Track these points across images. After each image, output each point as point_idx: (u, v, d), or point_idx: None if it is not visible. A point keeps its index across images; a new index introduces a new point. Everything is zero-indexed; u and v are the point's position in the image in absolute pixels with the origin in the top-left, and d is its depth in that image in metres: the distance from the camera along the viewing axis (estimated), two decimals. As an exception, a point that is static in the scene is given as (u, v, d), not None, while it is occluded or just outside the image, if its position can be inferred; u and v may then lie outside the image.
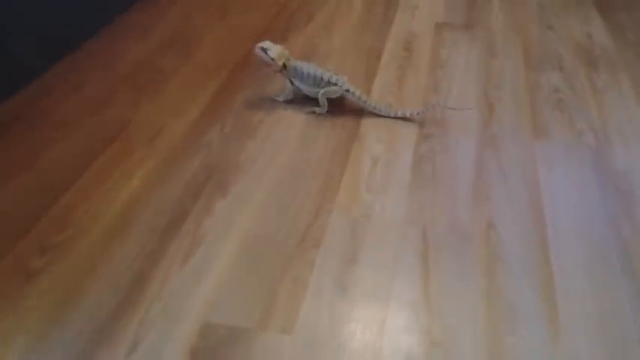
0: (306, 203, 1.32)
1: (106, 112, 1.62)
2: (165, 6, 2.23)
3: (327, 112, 1.62)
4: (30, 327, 1.03)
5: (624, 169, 1.44)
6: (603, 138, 1.55)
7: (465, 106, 1.67)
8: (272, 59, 1.61)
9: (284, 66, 1.62)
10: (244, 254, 1.19)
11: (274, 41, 1.64)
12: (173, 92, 1.72)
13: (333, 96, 1.62)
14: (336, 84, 1.60)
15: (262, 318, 1.06)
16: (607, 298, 1.11)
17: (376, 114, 1.61)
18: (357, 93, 1.61)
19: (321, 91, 1.61)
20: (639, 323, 1.07)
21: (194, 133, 1.55)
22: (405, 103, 1.68)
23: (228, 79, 1.79)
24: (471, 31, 2.11)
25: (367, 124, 1.59)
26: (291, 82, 1.64)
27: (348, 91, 1.61)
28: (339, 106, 1.64)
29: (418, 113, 1.59)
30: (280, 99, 1.67)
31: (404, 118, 1.60)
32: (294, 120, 1.61)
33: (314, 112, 1.63)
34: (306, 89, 1.63)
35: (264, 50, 1.61)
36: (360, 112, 1.63)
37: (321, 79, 1.60)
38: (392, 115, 1.60)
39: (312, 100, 1.63)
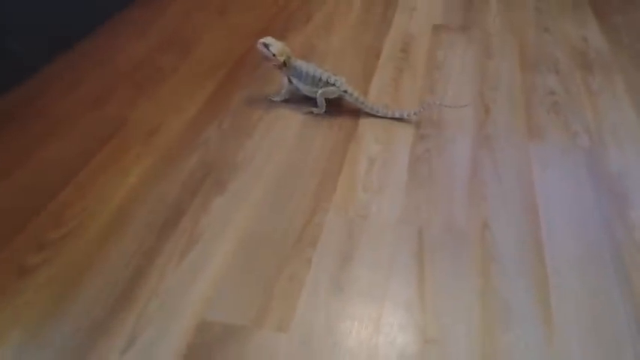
0: (302, 202, 1.33)
1: (103, 109, 1.62)
2: (165, 3, 2.24)
3: (325, 112, 1.63)
4: (26, 322, 1.03)
5: (618, 171, 1.46)
6: (598, 140, 1.57)
7: (462, 108, 1.67)
8: (273, 55, 1.61)
9: (284, 63, 1.63)
10: (241, 252, 1.19)
11: (273, 40, 1.65)
12: (171, 90, 1.72)
13: (331, 96, 1.63)
14: (334, 84, 1.61)
15: (258, 316, 1.06)
16: (600, 300, 1.12)
17: (373, 115, 1.62)
18: (355, 94, 1.62)
19: (320, 91, 1.61)
20: (632, 325, 1.08)
21: (192, 130, 1.55)
22: (402, 104, 1.69)
23: (227, 78, 1.79)
24: (467, 33, 2.12)
25: (364, 125, 1.60)
26: (290, 81, 1.65)
27: (346, 91, 1.61)
28: (336, 107, 1.65)
29: (415, 113, 1.60)
30: (277, 99, 1.68)
31: (401, 119, 1.61)
32: (292, 119, 1.61)
33: (312, 112, 1.64)
34: (305, 89, 1.64)
35: (266, 46, 1.61)
36: (357, 112, 1.64)
37: (320, 79, 1.61)
38: (389, 116, 1.61)
39: (310, 100, 1.64)
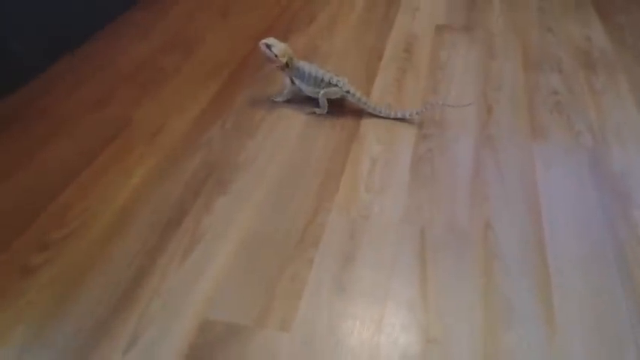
0: (305, 202, 1.33)
1: (106, 110, 1.62)
2: (167, 5, 2.24)
3: (327, 112, 1.63)
4: (29, 322, 1.04)
5: (621, 170, 1.45)
6: (601, 139, 1.56)
7: (465, 109, 1.67)
8: (275, 56, 1.61)
9: (286, 64, 1.63)
10: (243, 252, 1.20)
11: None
12: (174, 91, 1.73)
13: (334, 97, 1.63)
14: (336, 85, 1.61)
15: (260, 315, 1.06)
16: (603, 299, 1.12)
17: (376, 115, 1.62)
18: (357, 94, 1.62)
19: (322, 91, 1.61)
20: (635, 323, 1.08)
21: (195, 131, 1.56)
22: (405, 104, 1.69)
23: (230, 79, 1.79)
24: (470, 33, 2.12)
25: (367, 125, 1.60)
26: (292, 81, 1.65)
27: (348, 92, 1.61)
28: (339, 107, 1.65)
29: (417, 113, 1.60)
30: (279, 99, 1.68)
31: (403, 119, 1.61)
32: (295, 120, 1.61)
33: (314, 113, 1.64)
34: (307, 89, 1.64)
35: (269, 47, 1.61)
36: (359, 113, 1.64)
37: (322, 79, 1.61)
38: (391, 116, 1.61)
39: (313, 101, 1.64)
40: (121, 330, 1.03)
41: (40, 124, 1.55)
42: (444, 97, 1.72)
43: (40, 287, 1.11)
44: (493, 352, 1.01)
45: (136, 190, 1.35)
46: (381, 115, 1.62)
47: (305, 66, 1.62)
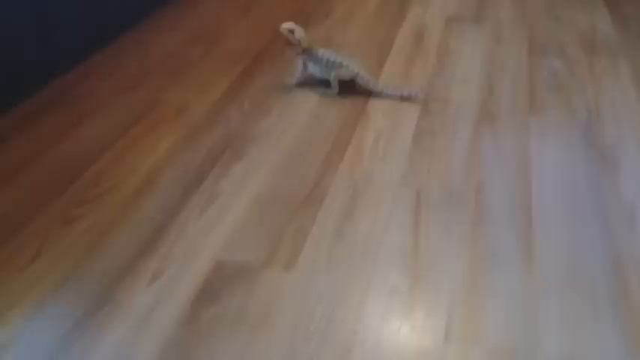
0: (312, 168, 1.46)
1: (137, 93, 1.79)
2: (197, 3, 2.42)
3: (338, 94, 1.76)
4: (67, 261, 1.20)
5: (612, 142, 1.55)
6: (596, 115, 1.66)
7: (468, 89, 1.79)
8: (298, 41, 1.75)
9: (304, 49, 1.77)
10: (254, 208, 1.34)
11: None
12: (198, 76, 1.89)
13: (345, 78, 1.76)
14: (347, 67, 1.74)
15: (266, 258, 1.20)
16: (581, 251, 1.22)
17: (383, 95, 1.74)
18: (366, 76, 1.75)
19: (333, 73, 1.75)
20: (608, 274, 1.17)
21: (215, 110, 1.71)
22: (411, 87, 1.81)
23: (249, 66, 1.95)
24: (480, 23, 2.23)
25: (374, 104, 1.73)
26: (305, 66, 1.79)
27: (358, 73, 1.75)
28: (350, 89, 1.78)
29: (421, 89, 1.72)
30: (291, 81, 1.82)
31: (409, 98, 1.73)
32: (307, 100, 1.75)
33: (326, 94, 1.77)
34: (320, 71, 1.77)
35: (291, 31, 1.75)
36: (369, 94, 1.76)
37: (334, 62, 1.74)
38: (397, 94, 1.74)
39: (325, 83, 1.78)
40: (144, 269, 1.18)
41: (80, 105, 1.73)
42: (449, 79, 1.83)
43: (77, 234, 1.26)
44: (473, 290, 1.13)
45: (161, 159, 1.50)
46: (389, 94, 1.74)
47: (319, 51, 1.76)
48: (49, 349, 1.02)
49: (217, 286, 1.14)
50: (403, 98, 1.74)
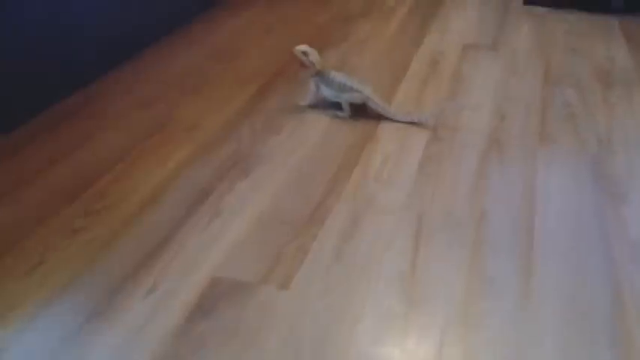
0: (317, 188, 1.47)
1: (152, 108, 1.83)
2: (219, 22, 2.47)
3: (350, 117, 1.78)
4: (69, 269, 1.22)
5: (621, 174, 1.53)
6: (606, 146, 1.65)
7: (479, 116, 1.79)
8: (312, 63, 1.78)
9: (317, 71, 1.79)
10: (256, 226, 1.35)
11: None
12: (214, 94, 1.92)
13: (356, 102, 1.77)
14: (359, 91, 1.76)
15: (263, 276, 1.21)
16: (581, 283, 1.20)
17: (395, 120, 1.76)
18: (378, 101, 1.76)
19: (345, 96, 1.77)
20: (609, 309, 1.16)
21: (227, 128, 1.74)
22: (423, 112, 1.82)
23: (265, 86, 1.98)
24: (496, 52, 2.24)
25: (384, 128, 1.74)
26: (317, 88, 1.81)
27: (369, 98, 1.76)
28: (361, 113, 1.79)
29: (432, 115, 1.73)
30: (303, 103, 1.84)
31: (419, 124, 1.74)
32: (318, 121, 1.77)
33: (337, 116, 1.79)
34: (332, 94, 1.79)
35: (305, 53, 1.78)
36: (380, 118, 1.77)
37: (346, 85, 1.76)
38: (408, 120, 1.75)
39: (337, 106, 1.79)
40: (143, 280, 1.19)
41: (95, 118, 1.77)
42: (461, 105, 1.84)
43: (80, 244, 1.29)
44: (468, 317, 1.12)
45: (169, 173, 1.53)
46: (400, 120, 1.76)
47: (332, 73, 1.79)
48: (42, 355, 1.04)
49: (212, 301, 1.15)
50: (413, 124, 1.75)
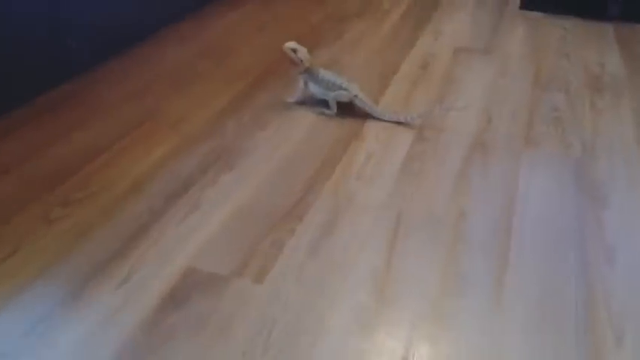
0: (299, 184, 1.47)
1: (141, 101, 1.83)
2: (211, 20, 2.47)
3: (336, 114, 1.78)
4: (43, 258, 1.22)
5: (603, 179, 1.53)
6: (590, 151, 1.65)
7: (465, 118, 1.79)
8: (301, 60, 1.78)
9: (306, 69, 1.79)
10: (235, 219, 1.35)
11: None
12: (202, 89, 1.92)
13: (343, 100, 1.78)
14: (346, 89, 1.76)
15: (238, 268, 1.21)
16: (553, 284, 1.20)
17: (381, 119, 1.76)
18: (365, 99, 1.76)
19: (332, 94, 1.77)
20: (579, 309, 1.15)
21: (213, 123, 1.74)
22: (410, 112, 1.82)
23: (253, 82, 1.98)
24: (488, 56, 2.24)
25: (370, 127, 1.74)
26: (305, 85, 1.81)
27: (356, 96, 1.77)
28: (348, 111, 1.80)
29: (419, 116, 1.73)
30: (291, 100, 1.84)
31: (405, 123, 1.74)
32: (305, 118, 1.78)
33: (324, 114, 1.79)
34: (319, 92, 1.80)
35: (294, 50, 1.78)
36: (366, 117, 1.77)
37: (334, 83, 1.76)
38: (394, 120, 1.75)
39: (324, 103, 1.80)
40: (117, 270, 1.20)
41: (82, 110, 1.77)
42: (448, 107, 1.84)
43: (57, 233, 1.29)
44: (438, 314, 1.12)
45: (152, 165, 1.53)
46: (386, 119, 1.76)
47: (321, 71, 1.79)
48: (11, 341, 1.04)
49: (185, 292, 1.15)
50: (400, 123, 1.75)
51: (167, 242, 1.27)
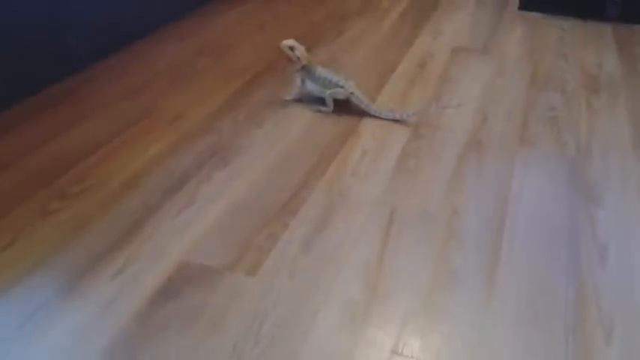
0: (293, 180, 1.49)
1: (138, 98, 1.85)
2: (212, 18, 2.49)
3: (333, 112, 1.79)
4: (40, 251, 1.24)
5: (597, 178, 1.54)
6: (585, 150, 1.66)
7: (461, 116, 1.80)
8: (298, 58, 1.80)
9: (303, 66, 1.81)
10: (229, 214, 1.36)
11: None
12: (200, 86, 1.94)
13: (339, 97, 1.79)
14: (342, 87, 1.78)
15: (232, 262, 1.22)
16: (544, 281, 1.21)
17: (377, 117, 1.77)
18: (361, 97, 1.78)
19: (328, 91, 1.78)
20: (568, 306, 1.16)
21: (210, 120, 1.75)
22: (405, 110, 1.83)
23: (251, 80, 2.00)
24: (485, 55, 2.25)
25: (366, 124, 1.75)
26: (302, 82, 1.83)
27: (352, 94, 1.78)
28: (346, 109, 1.81)
29: (414, 114, 1.75)
30: (288, 97, 1.86)
31: (401, 121, 1.75)
32: (301, 116, 1.79)
33: (320, 111, 1.81)
34: (316, 89, 1.81)
35: (292, 48, 1.79)
36: (362, 115, 1.79)
37: (330, 81, 1.78)
38: (390, 117, 1.76)
39: (321, 101, 1.81)
40: (112, 262, 1.21)
41: (80, 106, 1.79)
42: (444, 106, 1.85)
43: (53, 226, 1.31)
44: (429, 310, 1.13)
45: (149, 160, 1.55)
46: (382, 116, 1.77)
47: (318, 69, 1.80)
48: (6, 331, 1.05)
49: (179, 285, 1.17)
50: (396, 121, 1.76)
51: (162, 236, 1.29)
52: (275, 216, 1.36)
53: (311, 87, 1.82)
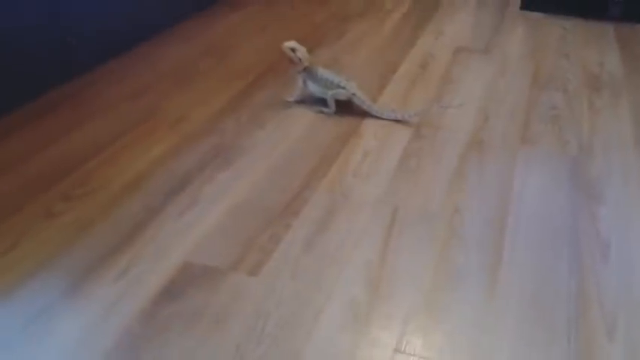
0: (296, 181, 1.49)
1: (140, 100, 1.86)
2: (214, 19, 2.50)
3: (335, 113, 1.80)
4: (44, 251, 1.24)
5: (599, 176, 1.54)
6: (587, 149, 1.66)
7: (463, 116, 1.80)
8: (299, 59, 1.80)
9: (305, 68, 1.81)
10: (232, 215, 1.37)
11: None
12: (203, 88, 1.95)
13: (341, 98, 1.79)
14: (344, 88, 1.78)
15: (234, 262, 1.23)
16: (547, 280, 1.22)
17: (379, 117, 1.77)
18: (363, 98, 1.78)
19: (330, 92, 1.79)
20: (571, 305, 1.17)
21: (213, 121, 1.76)
22: (406, 110, 1.83)
23: (254, 81, 2.00)
24: (487, 55, 2.25)
25: (368, 125, 1.76)
26: (304, 83, 1.83)
27: (354, 94, 1.78)
28: (347, 109, 1.81)
29: (416, 114, 1.75)
30: (290, 99, 1.86)
31: (403, 121, 1.75)
32: (303, 117, 1.79)
33: (322, 112, 1.81)
34: (318, 91, 1.82)
35: (293, 50, 1.80)
36: (364, 115, 1.79)
37: (332, 82, 1.78)
38: (392, 118, 1.76)
39: (323, 102, 1.81)
40: (116, 263, 1.22)
41: (83, 108, 1.80)
42: (445, 105, 1.85)
43: (57, 228, 1.31)
44: (431, 309, 1.13)
45: (152, 162, 1.55)
46: (384, 117, 1.77)
47: (319, 70, 1.81)
48: (11, 332, 1.06)
49: (182, 285, 1.17)
50: (397, 121, 1.76)
51: (165, 237, 1.29)
52: (277, 216, 1.36)
53: (313, 88, 1.82)
